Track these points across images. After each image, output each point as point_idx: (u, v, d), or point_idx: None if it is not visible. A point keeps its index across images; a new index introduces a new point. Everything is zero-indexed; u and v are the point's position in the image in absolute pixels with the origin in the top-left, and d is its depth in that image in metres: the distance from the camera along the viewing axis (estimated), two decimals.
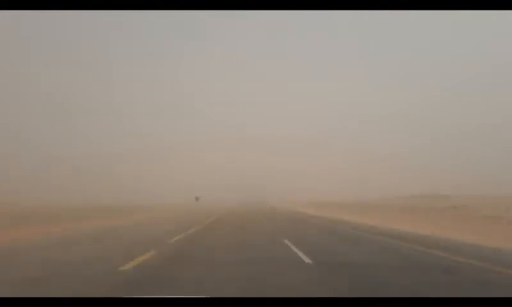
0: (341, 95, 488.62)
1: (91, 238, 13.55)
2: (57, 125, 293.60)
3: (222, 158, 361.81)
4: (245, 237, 13.98)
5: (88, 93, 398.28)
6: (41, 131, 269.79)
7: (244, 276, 6.61)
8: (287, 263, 8.24)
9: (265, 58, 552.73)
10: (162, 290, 5.74)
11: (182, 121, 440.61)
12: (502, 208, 31.50)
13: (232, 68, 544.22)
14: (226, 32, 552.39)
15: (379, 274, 7.05)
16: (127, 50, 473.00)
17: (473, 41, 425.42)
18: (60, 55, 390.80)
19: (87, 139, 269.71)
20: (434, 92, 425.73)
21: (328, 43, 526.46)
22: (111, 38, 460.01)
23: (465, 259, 9.05)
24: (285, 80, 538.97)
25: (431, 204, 57.39)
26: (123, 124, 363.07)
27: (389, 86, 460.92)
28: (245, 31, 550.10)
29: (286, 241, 12.55)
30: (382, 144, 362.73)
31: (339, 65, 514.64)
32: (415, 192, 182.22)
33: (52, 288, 5.91)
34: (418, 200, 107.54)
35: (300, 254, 9.59)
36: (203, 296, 5.31)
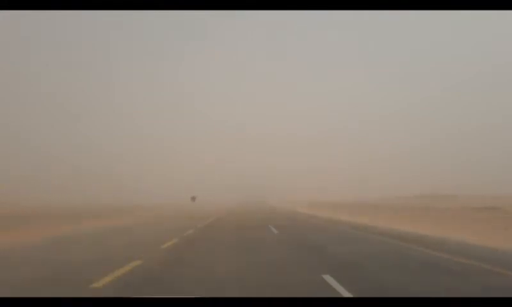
0: (341, 95, 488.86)
1: (69, 244, 12.07)
2: (57, 125, 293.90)
3: (222, 158, 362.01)
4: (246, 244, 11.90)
5: (88, 93, 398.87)
6: (41, 131, 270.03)
7: None
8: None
9: (265, 58, 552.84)
10: (162, 290, 5.73)
11: (182, 121, 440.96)
12: None
13: (231, 68, 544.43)
14: (226, 32, 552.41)
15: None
16: (127, 50, 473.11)
17: (473, 41, 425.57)
18: (60, 55, 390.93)
19: (87, 139, 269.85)
20: (434, 92, 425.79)
21: (328, 43, 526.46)
22: (111, 38, 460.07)
23: None
24: (285, 80, 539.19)
25: (443, 204, 56.38)
26: (123, 124, 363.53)
27: (389, 86, 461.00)
28: (245, 31, 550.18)
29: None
30: (382, 144, 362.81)
31: (339, 65, 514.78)
32: (416, 192, 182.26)
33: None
34: (427, 200, 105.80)
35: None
36: (203, 296, 5.31)
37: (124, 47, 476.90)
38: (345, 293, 5.43)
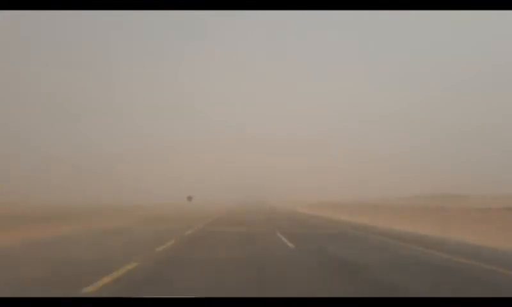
0: (341, 95, 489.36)
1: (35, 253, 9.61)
2: (57, 125, 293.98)
3: (222, 158, 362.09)
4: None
5: (88, 93, 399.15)
6: (41, 131, 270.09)
7: None
8: None
9: (265, 58, 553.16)
10: (162, 290, 5.73)
11: (182, 121, 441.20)
12: None
13: (232, 68, 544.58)
14: (226, 32, 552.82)
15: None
16: (127, 50, 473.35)
17: (473, 41, 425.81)
18: (60, 55, 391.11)
19: (87, 139, 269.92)
20: (434, 92, 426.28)
21: (328, 43, 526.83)
22: (111, 38, 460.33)
23: None
24: (285, 80, 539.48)
25: (456, 204, 54.91)
26: (123, 124, 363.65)
27: (389, 86, 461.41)
28: (245, 31, 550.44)
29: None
30: (382, 144, 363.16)
31: (339, 65, 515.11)
32: (415, 192, 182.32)
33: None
34: (437, 200, 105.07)
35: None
36: (203, 296, 5.31)
37: (124, 47, 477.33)
38: None
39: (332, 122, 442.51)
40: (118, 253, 9.54)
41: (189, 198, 68.15)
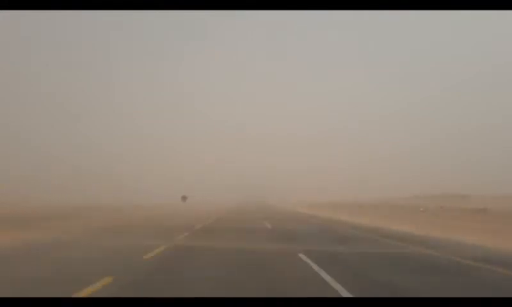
0: (341, 95, 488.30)
1: None
2: (57, 125, 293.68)
3: (222, 158, 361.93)
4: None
5: (88, 93, 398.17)
6: (41, 131, 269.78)
7: None
8: None
9: (265, 58, 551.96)
10: (162, 291, 5.72)
11: (182, 121, 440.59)
12: None
13: (232, 68, 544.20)
14: (226, 32, 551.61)
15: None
16: (127, 50, 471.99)
17: (473, 41, 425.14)
18: (60, 55, 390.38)
19: (87, 139, 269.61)
20: (434, 92, 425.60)
21: (328, 43, 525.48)
22: (111, 38, 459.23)
23: None
24: (285, 80, 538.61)
25: (463, 205, 54.99)
26: (123, 124, 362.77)
27: (389, 86, 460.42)
28: (245, 31, 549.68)
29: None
30: (382, 144, 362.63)
31: (339, 65, 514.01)
32: (416, 192, 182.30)
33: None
34: (448, 200, 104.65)
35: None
36: (203, 296, 5.30)
37: (124, 47, 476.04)
38: None
39: (332, 122, 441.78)
40: None
41: (184, 198, 63.63)
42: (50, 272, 7.72)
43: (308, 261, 9.34)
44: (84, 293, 5.59)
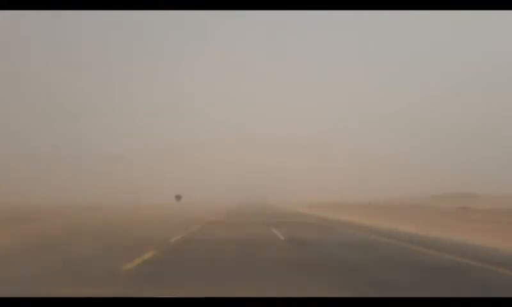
0: (341, 95, 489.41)
1: None
2: (57, 125, 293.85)
3: (222, 158, 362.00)
4: None
5: (88, 93, 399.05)
6: (41, 131, 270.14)
7: None
8: None
9: (265, 58, 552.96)
10: (162, 290, 5.73)
11: (182, 121, 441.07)
12: None
13: (232, 68, 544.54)
14: (226, 32, 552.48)
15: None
16: (127, 50, 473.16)
17: (473, 41, 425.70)
18: (60, 55, 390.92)
19: (87, 139, 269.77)
20: (434, 92, 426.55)
21: (328, 43, 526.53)
22: (111, 38, 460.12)
23: None
24: (285, 80, 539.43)
25: (476, 205, 52.43)
26: (123, 124, 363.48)
27: (389, 86, 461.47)
28: (245, 31, 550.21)
29: None
30: (382, 144, 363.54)
31: (339, 65, 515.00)
32: (415, 192, 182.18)
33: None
34: (458, 200, 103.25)
35: None
36: (203, 296, 5.31)
37: (124, 47, 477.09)
38: None
39: (332, 122, 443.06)
40: None
41: (178, 198, 58.71)
42: None
43: None
44: None
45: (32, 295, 5.32)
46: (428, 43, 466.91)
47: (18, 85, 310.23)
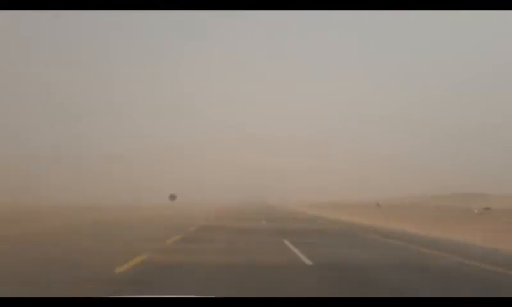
0: (341, 95, 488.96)
1: None
2: (57, 125, 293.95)
3: (222, 158, 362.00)
4: None
5: (88, 93, 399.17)
6: (41, 131, 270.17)
7: None
8: None
9: (265, 58, 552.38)
10: (162, 290, 5.72)
11: (182, 121, 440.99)
12: None
13: (232, 68, 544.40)
14: (226, 32, 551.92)
15: None
16: (127, 50, 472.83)
17: (473, 41, 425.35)
18: (60, 55, 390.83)
19: (87, 139, 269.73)
20: (434, 92, 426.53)
21: (328, 43, 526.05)
22: (111, 38, 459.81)
23: None
24: (285, 80, 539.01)
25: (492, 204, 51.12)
26: (123, 124, 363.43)
27: (389, 86, 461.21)
28: (245, 31, 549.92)
29: None
30: (382, 144, 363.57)
31: (339, 65, 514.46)
32: (415, 192, 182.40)
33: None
34: (470, 200, 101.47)
35: None
36: (203, 296, 5.31)
37: (124, 47, 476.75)
38: None
39: (332, 122, 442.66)
40: None
41: (172, 197, 55.66)
42: None
43: None
44: None
45: (32, 295, 5.33)
46: (428, 43, 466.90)
47: (18, 85, 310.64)
